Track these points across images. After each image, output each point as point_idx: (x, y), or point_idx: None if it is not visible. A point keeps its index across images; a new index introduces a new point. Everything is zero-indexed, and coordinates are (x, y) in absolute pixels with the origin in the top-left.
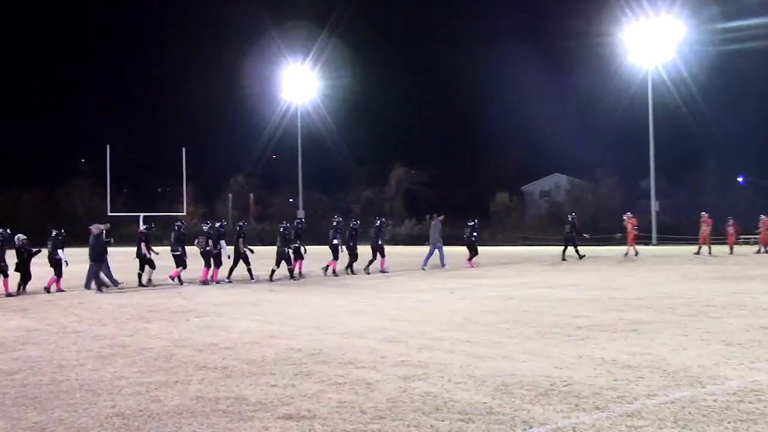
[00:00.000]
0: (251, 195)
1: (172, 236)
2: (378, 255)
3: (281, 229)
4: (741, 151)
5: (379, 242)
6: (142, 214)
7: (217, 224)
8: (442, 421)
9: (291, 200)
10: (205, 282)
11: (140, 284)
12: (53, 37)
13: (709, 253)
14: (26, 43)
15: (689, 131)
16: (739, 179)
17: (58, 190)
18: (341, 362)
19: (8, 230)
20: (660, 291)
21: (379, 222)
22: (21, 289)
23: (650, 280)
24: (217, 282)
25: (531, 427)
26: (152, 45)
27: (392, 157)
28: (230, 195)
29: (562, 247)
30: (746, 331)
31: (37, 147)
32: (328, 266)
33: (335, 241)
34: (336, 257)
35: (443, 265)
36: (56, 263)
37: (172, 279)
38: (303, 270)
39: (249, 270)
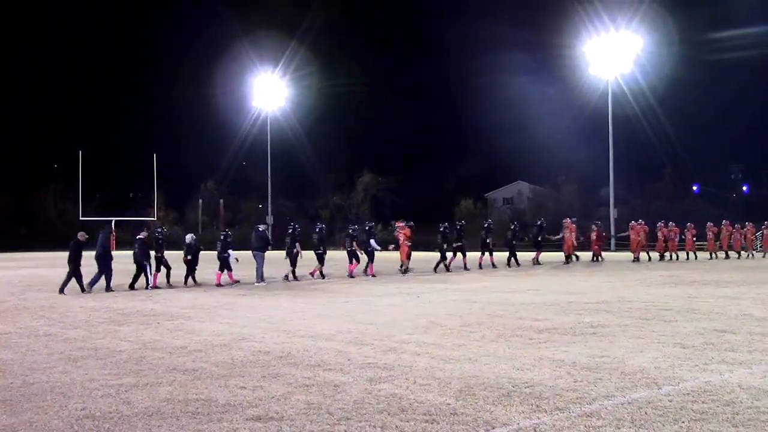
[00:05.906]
0: (221, 201)
1: (314, 237)
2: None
3: (441, 229)
4: (696, 161)
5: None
6: (113, 219)
7: (367, 226)
8: (407, 422)
9: (260, 206)
10: (351, 275)
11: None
12: (26, 42)
13: (676, 258)
14: None
15: (647, 141)
16: (694, 188)
17: (30, 194)
18: (309, 364)
19: (164, 228)
20: (618, 295)
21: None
22: (188, 280)
23: (608, 285)
24: (373, 275)
25: (493, 428)
26: (125, 52)
27: (359, 164)
28: (200, 200)
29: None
30: (700, 335)
31: (10, 152)
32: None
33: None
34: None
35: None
36: (224, 261)
37: (313, 276)
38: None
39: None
